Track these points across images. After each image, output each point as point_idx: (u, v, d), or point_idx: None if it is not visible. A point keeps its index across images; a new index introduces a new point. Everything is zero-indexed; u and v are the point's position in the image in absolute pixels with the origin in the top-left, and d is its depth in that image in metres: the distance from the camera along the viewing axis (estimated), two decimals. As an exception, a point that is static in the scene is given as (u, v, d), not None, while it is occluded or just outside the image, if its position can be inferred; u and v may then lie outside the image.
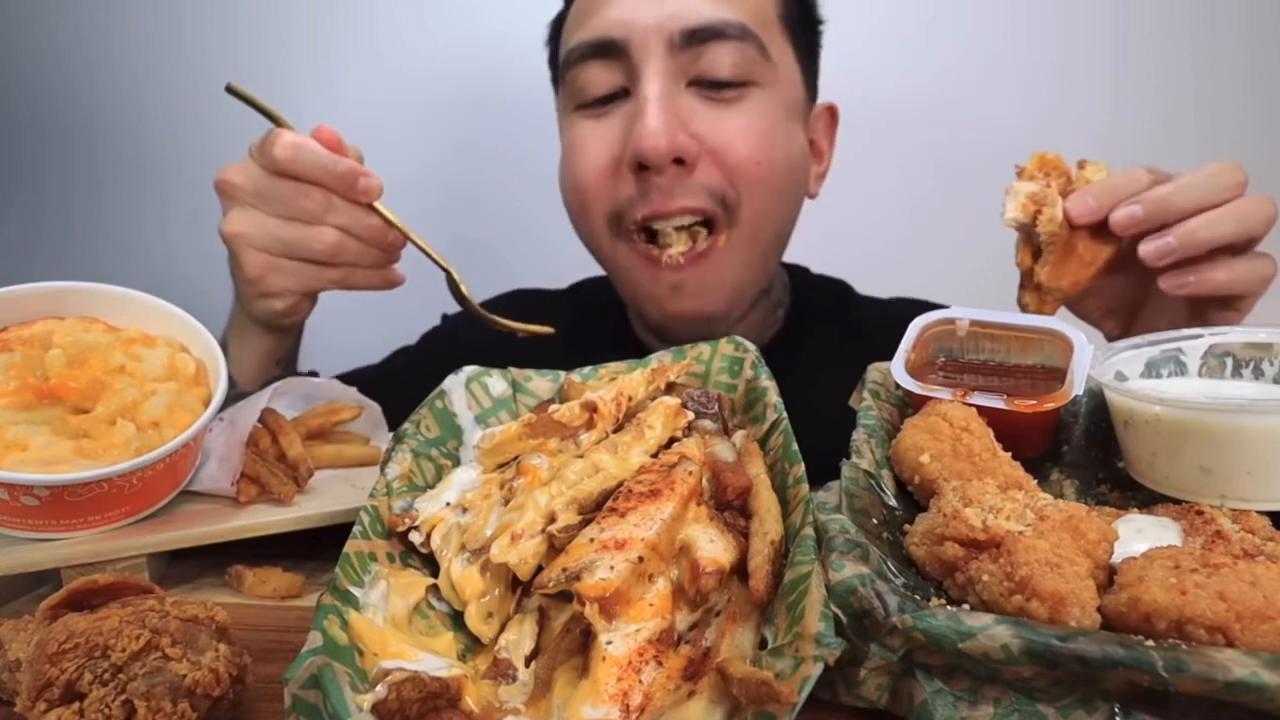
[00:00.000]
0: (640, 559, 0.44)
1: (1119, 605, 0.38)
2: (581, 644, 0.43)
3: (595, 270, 1.17)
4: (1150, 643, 0.34)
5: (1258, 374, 0.58)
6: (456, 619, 0.48)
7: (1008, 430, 0.54)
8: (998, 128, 1.31)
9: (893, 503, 0.52)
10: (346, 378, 0.92)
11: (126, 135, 1.46)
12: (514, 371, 0.68)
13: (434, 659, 0.41)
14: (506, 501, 0.51)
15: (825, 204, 1.13)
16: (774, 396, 0.58)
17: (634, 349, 0.99)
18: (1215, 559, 0.39)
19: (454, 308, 0.86)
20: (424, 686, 0.38)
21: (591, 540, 0.45)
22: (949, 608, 0.38)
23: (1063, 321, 0.60)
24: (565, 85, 0.93)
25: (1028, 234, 0.70)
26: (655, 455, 0.55)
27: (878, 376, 0.64)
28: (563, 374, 0.68)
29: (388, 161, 1.40)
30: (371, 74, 1.42)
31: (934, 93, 1.36)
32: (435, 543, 0.51)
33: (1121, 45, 1.32)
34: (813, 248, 1.13)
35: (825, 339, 1.06)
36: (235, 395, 0.72)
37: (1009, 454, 0.53)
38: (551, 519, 0.48)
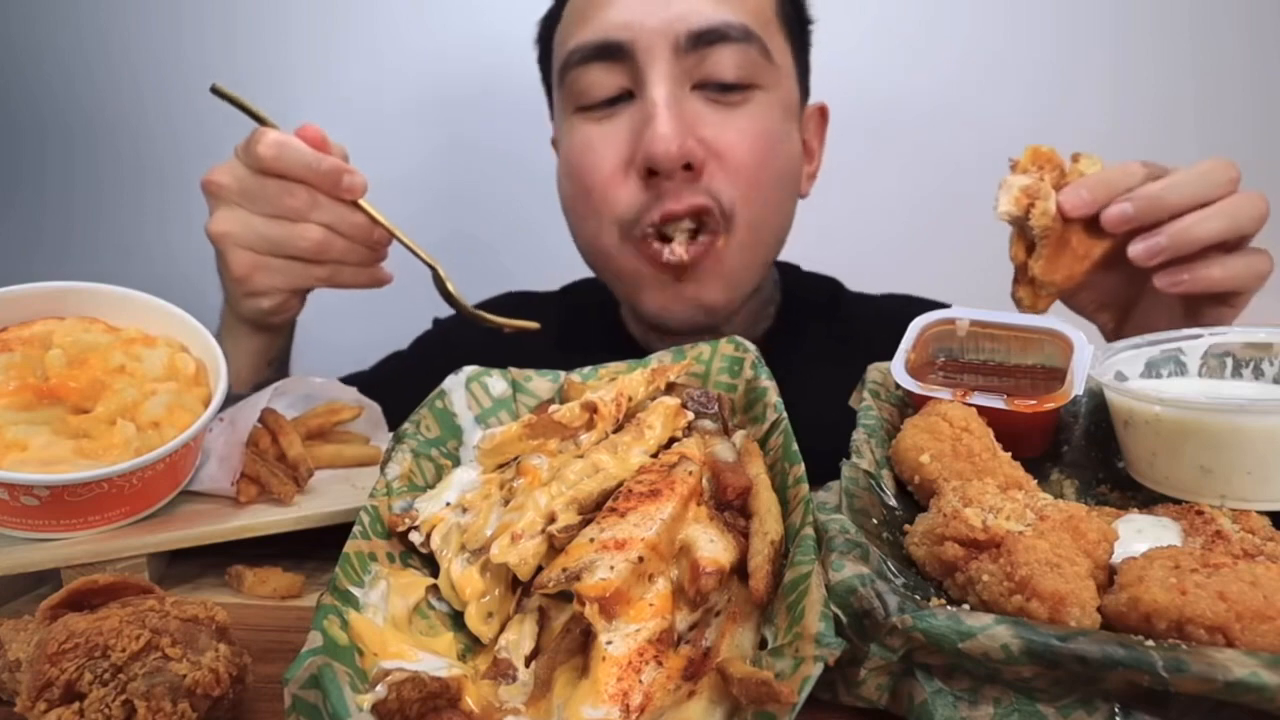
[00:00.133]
0: (640, 559, 0.44)
1: (1119, 605, 0.38)
2: (581, 644, 0.43)
3: (585, 270, 1.17)
4: (1150, 643, 0.34)
5: (1258, 374, 0.58)
6: (456, 619, 0.48)
7: (1008, 430, 0.54)
8: (997, 128, 1.31)
9: (893, 503, 0.52)
10: None
11: (126, 135, 1.46)
12: (514, 371, 0.68)
13: (434, 659, 0.41)
14: (506, 502, 0.51)
15: (824, 204, 1.13)
16: (774, 396, 0.58)
17: (627, 349, 0.99)
18: (1215, 559, 0.39)
19: (446, 310, 0.86)
20: (424, 686, 0.38)
21: (591, 540, 0.45)
22: (949, 608, 0.38)
23: (1063, 321, 0.60)
24: (564, 87, 0.92)
25: (1021, 228, 0.70)
26: (655, 455, 0.55)
27: (878, 376, 0.64)
28: (563, 374, 0.68)
29: (388, 160, 1.41)
30: (372, 73, 1.42)
31: (933, 93, 1.36)
32: (435, 543, 0.51)
33: (1121, 45, 1.32)
34: (812, 247, 1.13)
35: (817, 336, 1.07)
36: (230, 397, 0.73)
37: (1009, 454, 0.53)
38: (551, 519, 0.48)
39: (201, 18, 1.42)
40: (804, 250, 1.11)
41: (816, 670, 0.35)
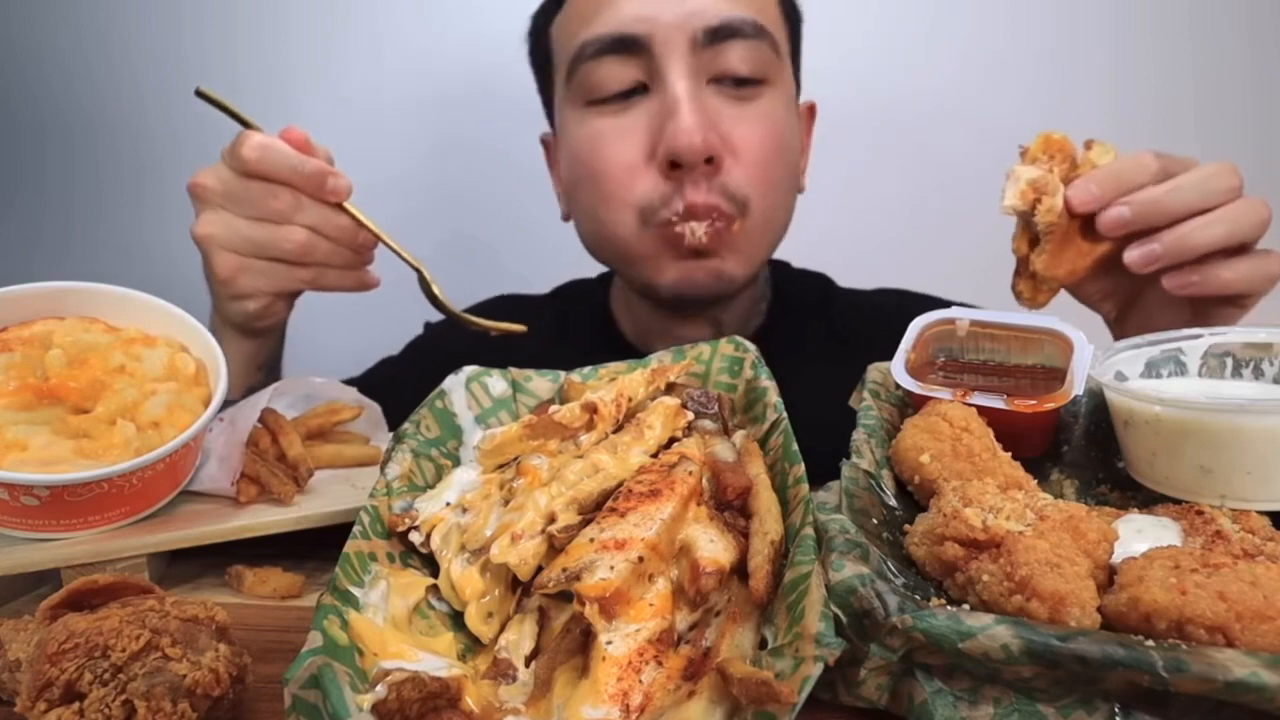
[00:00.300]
0: (640, 559, 0.44)
1: (1119, 605, 0.38)
2: (581, 644, 0.43)
3: (586, 269, 1.17)
4: (1150, 643, 0.34)
5: (1258, 374, 0.58)
6: (456, 619, 0.48)
7: (1008, 430, 0.55)
8: (998, 128, 1.30)
9: (893, 503, 0.52)
10: None
11: (126, 135, 1.46)
12: (514, 371, 0.68)
13: (434, 659, 0.41)
14: (506, 502, 0.51)
15: (825, 204, 1.13)
16: (774, 396, 0.58)
17: (620, 350, 0.99)
18: (1215, 559, 0.39)
19: (436, 314, 0.86)
20: (424, 686, 0.38)
21: (591, 540, 0.45)
22: (949, 608, 0.38)
23: (1063, 321, 0.60)
24: (575, 81, 0.92)
25: (1026, 221, 0.69)
26: (655, 455, 0.55)
27: (878, 376, 0.64)
28: (563, 374, 0.68)
29: (388, 160, 1.42)
30: (372, 73, 1.42)
31: (933, 93, 1.36)
32: (435, 543, 0.51)
33: (1121, 45, 1.32)
34: (813, 247, 1.13)
35: (809, 333, 1.07)
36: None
37: (1009, 454, 0.53)
38: (551, 519, 0.48)
39: (201, 18, 1.42)
40: (804, 250, 1.11)
41: (816, 670, 0.35)
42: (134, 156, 1.47)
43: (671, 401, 0.59)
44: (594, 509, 0.49)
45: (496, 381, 0.68)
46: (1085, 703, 0.35)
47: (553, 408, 0.56)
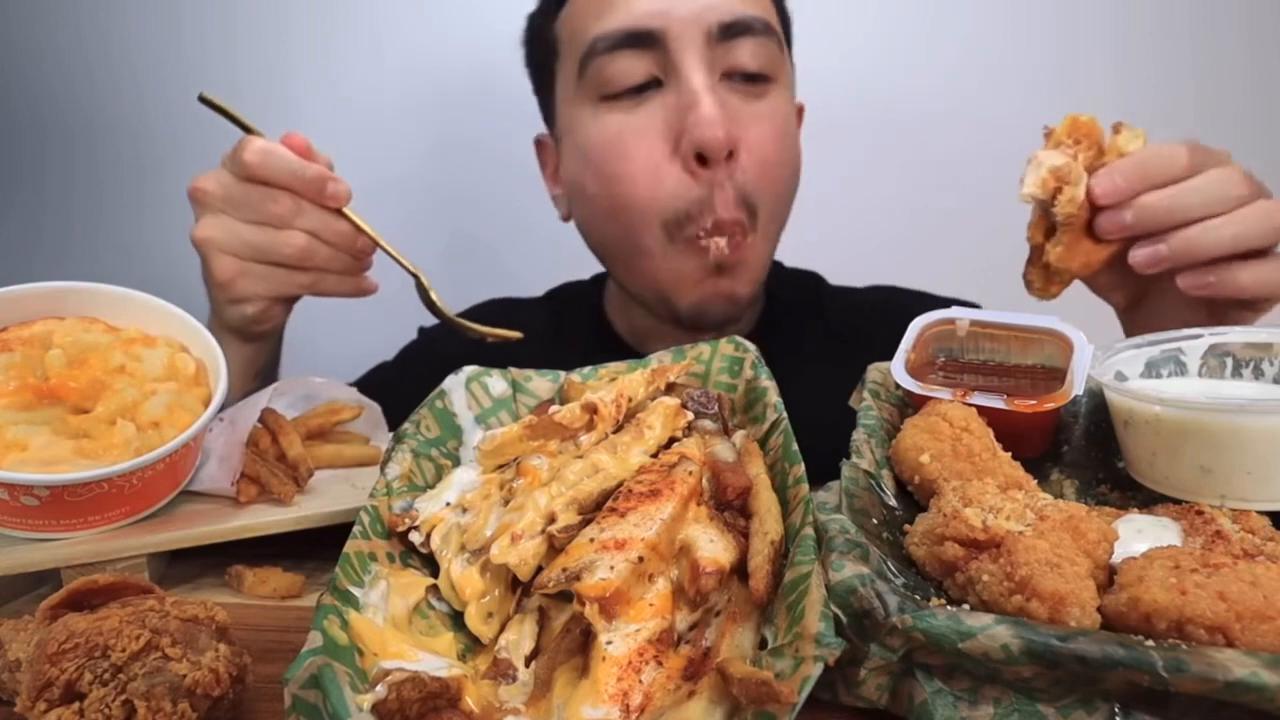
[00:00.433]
0: (640, 559, 0.44)
1: (1119, 605, 0.38)
2: (581, 644, 0.43)
3: (587, 269, 1.17)
4: (1150, 643, 0.34)
5: (1258, 374, 0.58)
6: (456, 619, 0.48)
7: (1008, 430, 0.55)
8: (998, 128, 1.30)
9: (893, 503, 0.52)
10: None
11: (126, 135, 1.46)
12: (514, 371, 0.68)
13: (434, 659, 0.41)
14: (506, 502, 0.51)
15: (825, 205, 1.13)
16: (774, 396, 0.58)
17: (615, 351, 0.99)
18: (1215, 559, 0.39)
19: (430, 320, 0.86)
20: (424, 686, 0.38)
21: (591, 540, 0.45)
22: (949, 608, 0.38)
23: (1063, 321, 0.60)
24: (587, 76, 0.91)
25: (1044, 209, 0.66)
26: (655, 455, 0.55)
27: (878, 376, 0.64)
28: (563, 374, 0.68)
29: (388, 160, 1.41)
30: (372, 73, 1.42)
31: (934, 93, 1.36)
32: (435, 543, 0.51)
33: (1121, 45, 1.32)
34: (813, 247, 1.13)
35: (804, 333, 1.07)
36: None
37: (1009, 454, 0.53)
38: (551, 519, 0.48)
39: (201, 18, 1.42)
40: (804, 250, 1.11)
41: (816, 670, 0.35)
42: (134, 156, 1.47)
43: (671, 401, 0.59)
44: (594, 509, 0.49)
45: (496, 381, 0.68)
46: (1085, 703, 0.35)
47: (553, 408, 0.56)
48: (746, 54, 0.89)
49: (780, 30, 0.96)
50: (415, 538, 0.51)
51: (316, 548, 0.60)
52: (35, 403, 0.58)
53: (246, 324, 0.82)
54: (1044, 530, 0.42)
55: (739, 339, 0.67)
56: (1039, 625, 0.36)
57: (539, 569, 0.46)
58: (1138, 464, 0.55)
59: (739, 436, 0.57)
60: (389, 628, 0.44)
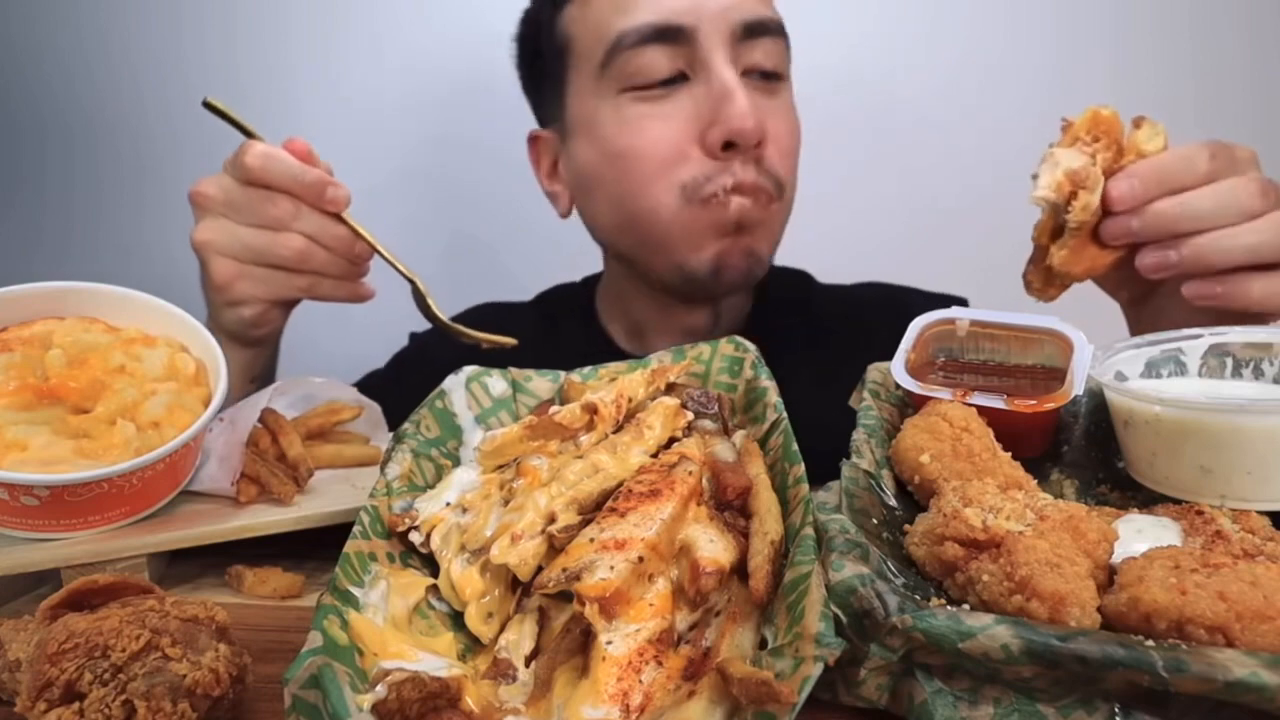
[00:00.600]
0: (640, 559, 0.44)
1: (1119, 605, 0.38)
2: (581, 644, 0.43)
3: (587, 269, 1.17)
4: (1150, 643, 0.34)
5: (1258, 374, 0.58)
6: (456, 619, 0.48)
7: (1008, 430, 0.55)
8: (998, 128, 1.31)
9: (893, 503, 0.52)
10: None
11: (126, 135, 1.46)
12: (514, 371, 0.68)
13: (434, 659, 0.41)
14: (506, 502, 0.51)
15: (825, 205, 1.13)
16: (774, 396, 0.58)
17: (610, 354, 0.99)
18: (1215, 559, 0.39)
19: (422, 325, 0.86)
20: (424, 686, 0.38)
21: (591, 540, 0.45)
22: (949, 608, 0.38)
23: (1063, 321, 0.60)
24: (612, 69, 0.92)
25: (1056, 211, 0.63)
26: (655, 455, 0.55)
27: (878, 376, 0.64)
28: (562, 374, 0.68)
29: (388, 160, 1.41)
30: (372, 73, 1.42)
31: (934, 94, 1.36)
32: (435, 543, 0.51)
33: (1121, 45, 1.32)
34: (812, 247, 1.13)
35: (792, 331, 1.07)
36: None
37: (1009, 454, 0.53)
38: (551, 519, 0.48)
39: (201, 18, 1.42)
40: (804, 250, 1.11)
41: (816, 670, 0.35)
42: (134, 156, 1.47)
43: (671, 401, 0.59)
44: (594, 509, 0.49)
45: (496, 381, 0.68)
46: (1085, 703, 0.35)
47: (553, 408, 0.56)
48: (763, 52, 0.92)
49: None
50: (415, 538, 0.51)
51: (316, 548, 0.60)
52: (35, 403, 0.58)
53: (244, 327, 0.82)
54: (1044, 530, 0.42)
55: (739, 339, 0.67)
56: (1039, 625, 0.36)
57: (539, 569, 0.46)
58: (1138, 464, 0.55)
59: (739, 436, 0.57)
60: (389, 628, 0.44)
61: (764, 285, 1.11)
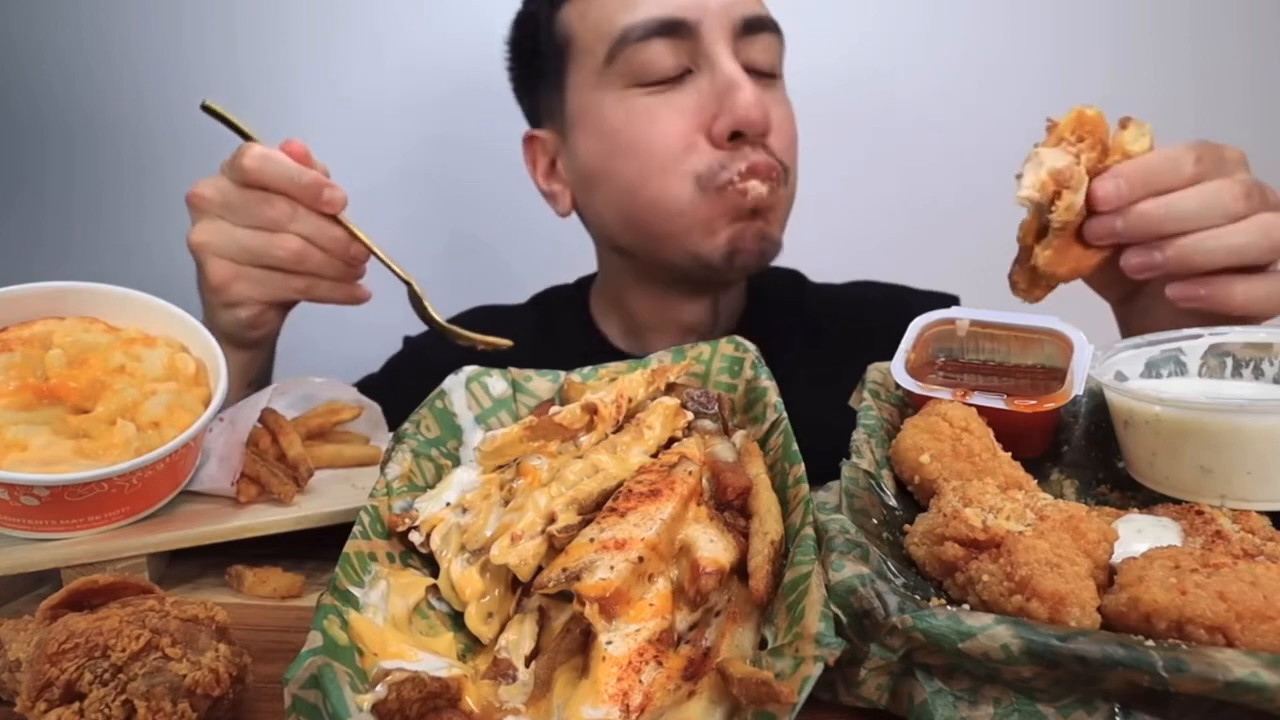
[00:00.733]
0: (640, 559, 0.44)
1: (1119, 605, 0.38)
2: (581, 644, 0.43)
3: (586, 269, 1.16)
4: (1150, 643, 0.34)
5: (1258, 374, 0.58)
6: (456, 619, 0.48)
7: (1008, 430, 0.55)
8: (998, 128, 1.30)
9: (893, 503, 0.52)
10: None
11: (126, 135, 1.46)
12: (514, 371, 0.69)
13: (434, 659, 0.41)
14: (506, 502, 0.51)
15: (825, 205, 1.13)
16: (774, 396, 0.58)
17: (602, 356, 0.99)
18: (1215, 559, 0.39)
19: (415, 329, 0.86)
20: (424, 686, 0.38)
21: (591, 540, 0.45)
22: (949, 608, 0.38)
23: (1063, 321, 0.60)
24: (616, 64, 0.94)
25: (1040, 210, 0.63)
26: (655, 455, 0.55)
27: (878, 376, 0.64)
28: (562, 374, 0.68)
29: (388, 160, 1.41)
30: (372, 73, 1.42)
31: (933, 94, 1.36)
32: (435, 543, 0.51)
33: (1121, 45, 1.32)
34: (812, 247, 1.13)
35: (786, 331, 1.07)
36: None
37: (1009, 454, 0.53)
38: (551, 519, 0.48)
39: (201, 18, 1.42)
40: (804, 250, 1.11)
41: (816, 670, 0.35)
42: (134, 156, 1.47)
43: (671, 401, 0.59)
44: (594, 509, 0.49)
45: (496, 381, 0.68)
46: (1085, 703, 0.35)
47: (553, 409, 0.56)
48: (760, 49, 0.94)
49: None
50: (415, 538, 0.51)
51: (316, 548, 0.60)
52: (35, 403, 0.58)
53: (240, 329, 0.82)
54: (1044, 530, 0.42)
55: (739, 339, 0.67)
56: (1039, 625, 0.36)
57: (539, 569, 0.46)
58: (1138, 464, 0.55)
59: (739, 436, 0.57)
60: (389, 628, 0.44)
61: (758, 285, 1.11)
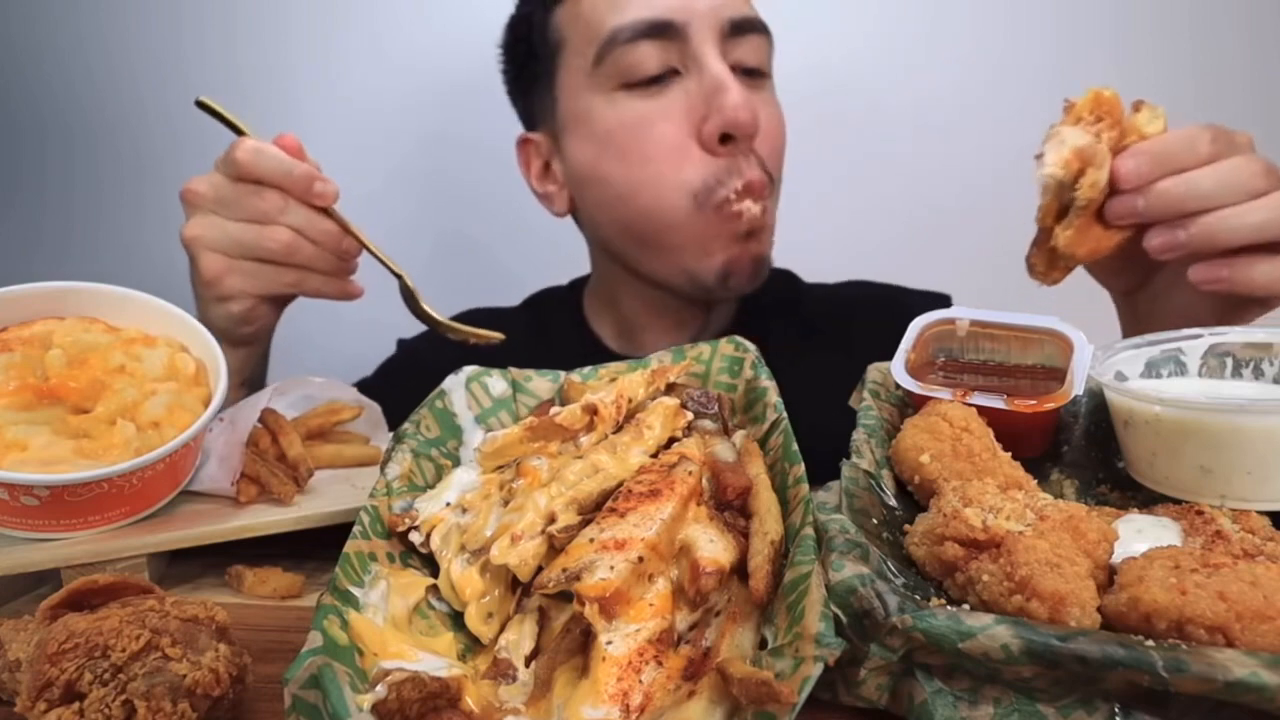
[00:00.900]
0: (640, 559, 0.44)
1: (1119, 605, 0.38)
2: (581, 644, 0.43)
3: (584, 268, 1.16)
4: (1150, 643, 0.34)
5: (1258, 374, 0.58)
6: (456, 619, 0.48)
7: (1008, 430, 0.55)
8: (998, 129, 1.31)
9: (893, 503, 0.52)
10: None
11: (126, 135, 1.46)
12: (514, 371, 0.69)
13: (434, 659, 0.41)
14: (506, 502, 0.51)
15: (825, 204, 1.13)
16: (774, 396, 0.58)
17: (596, 357, 0.99)
18: (1215, 559, 0.39)
19: (411, 332, 0.86)
20: (424, 686, 0.38)
21: (591, 540, 0.45)
22: (949, 608, 0.38)
23: (1063, 321, 0.60)
24: (605, 65, 0.93)
25: (1061, 191, 0.62)
26: (655, 455, 0.55)
27: (878, 376, 0.64)
28: (562, 374, 0.68)
29: (387, 160, 1.41)
30: (372, 73, 1.42)
31: (934, 93, 1.36)
32: (435, 543, 0.51)
33: (1121, 45, 1.32)
34: (811, 247, 1.13)
35: (780, 331, 1.07)
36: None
37: (1009, 454, 0.53)
38: (551, 520, 0.48)
39: (201, 18, 1.42)
40: (803, 250, 1.11)
41: (816, 670, 0.35)
42: (134, 156, 1.47)
43: (671, 401, 0.59)
44: (594, 509, 0.49)
45: (496, 381, 0.68)
46: (1085, 703, 0.35)
47: (553, 409, 0.56)
48: (749, 49, 0.94)
49: None
50: (415, 538, 0.51)
51: (316, 548, 0.60)
52: (35, 403, 0.58)
53: (233, 324, 0.82)
54: (1044, 530, 0.42)
55: (739, 339, 0.67)
56: (1039, 625, 0.36)
57: (539, 569, 0.46)
58: (1138, 464, 0.55)
59: (739, 436, 0.57)
60: (389, 628, 0.44)
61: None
